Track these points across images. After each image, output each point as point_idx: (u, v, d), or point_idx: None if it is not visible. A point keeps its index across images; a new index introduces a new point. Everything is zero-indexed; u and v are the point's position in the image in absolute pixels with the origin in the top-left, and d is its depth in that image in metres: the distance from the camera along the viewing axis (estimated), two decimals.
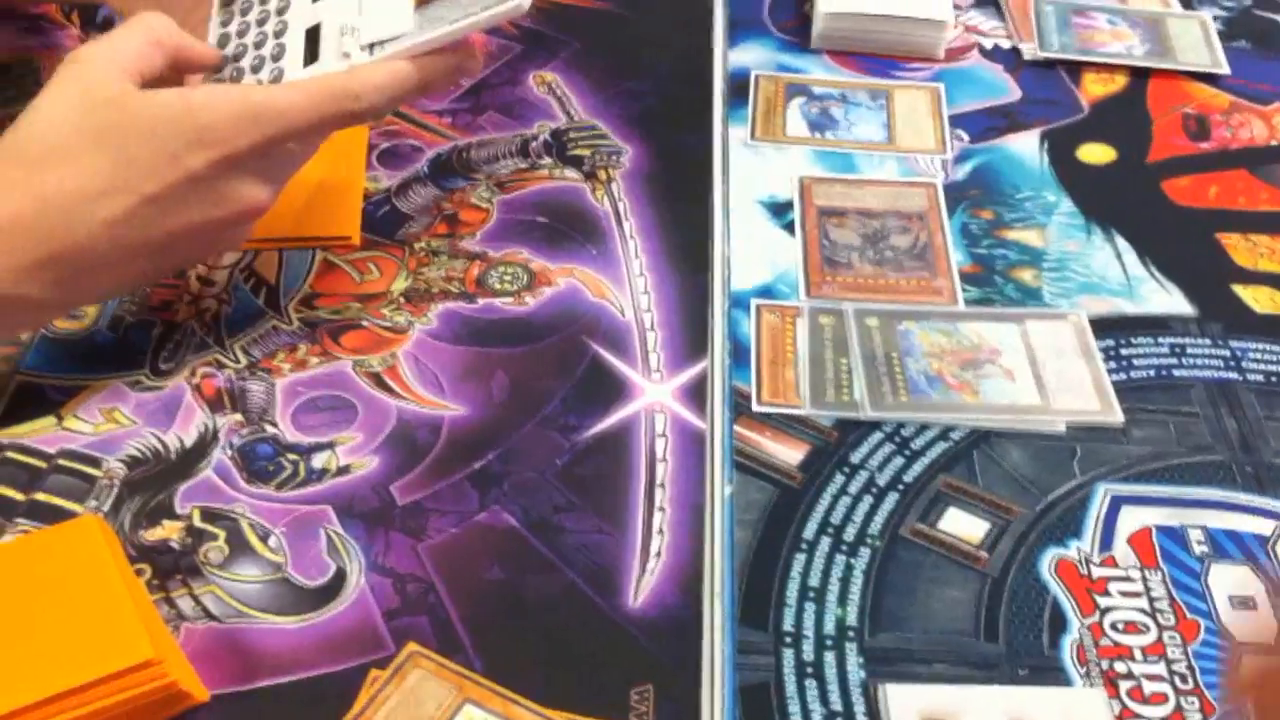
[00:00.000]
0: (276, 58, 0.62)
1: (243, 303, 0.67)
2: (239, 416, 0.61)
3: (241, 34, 0.64)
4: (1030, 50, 0.87)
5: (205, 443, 0.60)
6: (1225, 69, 0.86)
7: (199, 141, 0.55)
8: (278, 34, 0.63)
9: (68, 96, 0.55)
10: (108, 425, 0.61)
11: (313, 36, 0.61)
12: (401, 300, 0.67)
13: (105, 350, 0.64)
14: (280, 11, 0.64)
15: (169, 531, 0.56)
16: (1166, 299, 0.69)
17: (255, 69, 0.62)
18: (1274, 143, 0.80)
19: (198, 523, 0.57)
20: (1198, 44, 0.88)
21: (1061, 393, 0.62)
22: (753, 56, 0.86)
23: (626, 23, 0.89)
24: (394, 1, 0.61)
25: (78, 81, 0.56)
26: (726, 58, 0.86)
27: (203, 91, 0.58)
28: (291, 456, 0.60)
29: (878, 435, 0.61)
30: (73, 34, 0.83)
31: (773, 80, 0.85)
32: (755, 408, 0.62)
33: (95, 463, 0.59)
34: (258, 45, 0.63)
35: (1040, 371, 0.64)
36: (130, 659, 0.48)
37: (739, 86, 0.84)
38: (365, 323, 0.66)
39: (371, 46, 0.60)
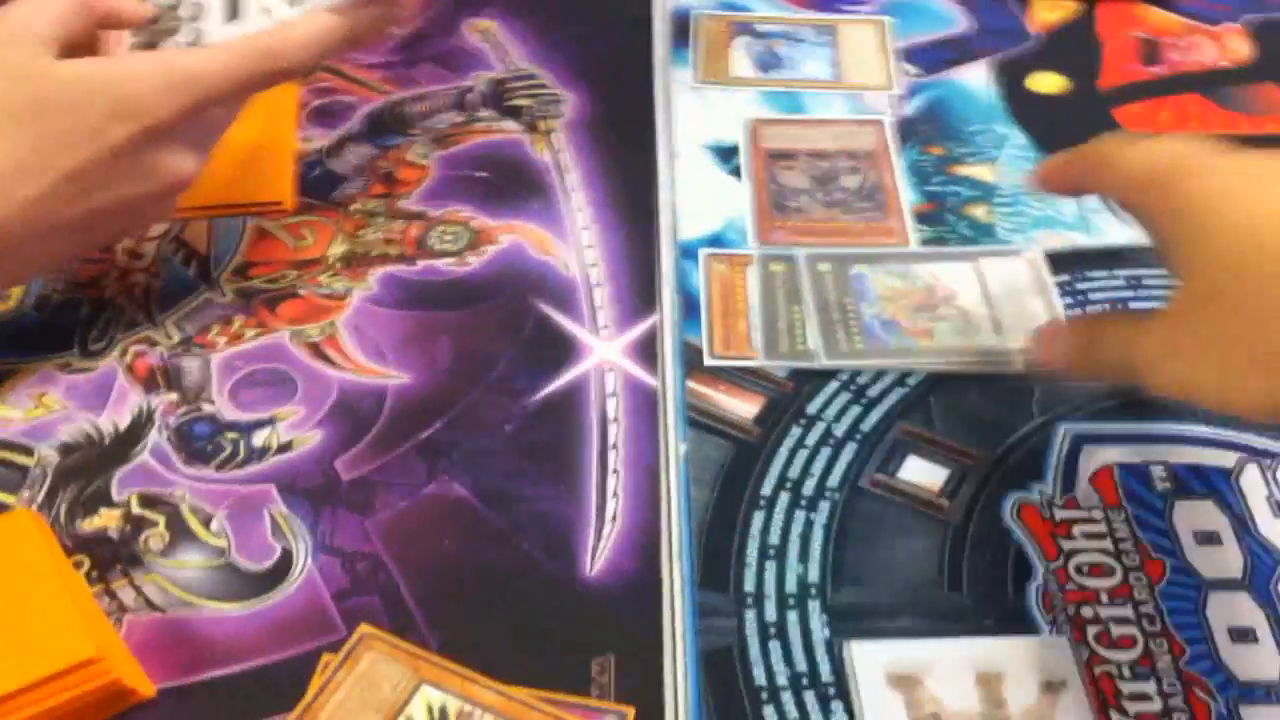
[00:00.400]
0: (195, 17, 0.59)
1: (173, 276, 0.65)
2: (174, 396, 0.59)
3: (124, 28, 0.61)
4: None
5: (140, 425, 0.58)
6: None
7: (120, 113, 0.53)
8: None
9: None
10: (38, 411, 0.58)
11: None
12: (339, 266, 0.65)
13: (32, 332, 0.62)
14: None
15: (107, 520, 0.54)
16: (1121, 230, 0.67)
17: (173, 30, 0.59)
18: (1225, 64, 0.79)
19: (136, 509, 0.55)
20: None
21: (1018, 332, 0.61)
22: None
23: None
24: None
25: None
26: None
27: (122, 61, 0.55)
28: (231, 435, 0.58)
29: (833, 384, 0.60)
30: None
31: (716, 19, 0.83)
32: (708, 361, 0.61)
33: (27, 451, 0.57)
34: (175, 5, 0.60)
35: (997, 312, 0.62)
36: (70, 658, 0.47)
37: (682, 26, 0.82)
38: (302, 291, 0.64)
39: (292, 1, 0.57)
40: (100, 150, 0.53)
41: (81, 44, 0.56)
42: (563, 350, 0.62)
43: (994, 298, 0.63)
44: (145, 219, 0.59)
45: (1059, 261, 0.65)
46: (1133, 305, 0.63)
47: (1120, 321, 0.51)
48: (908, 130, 0.74)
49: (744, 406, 0.59)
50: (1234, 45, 0.80)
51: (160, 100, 0.53)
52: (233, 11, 0.59)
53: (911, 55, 0.80)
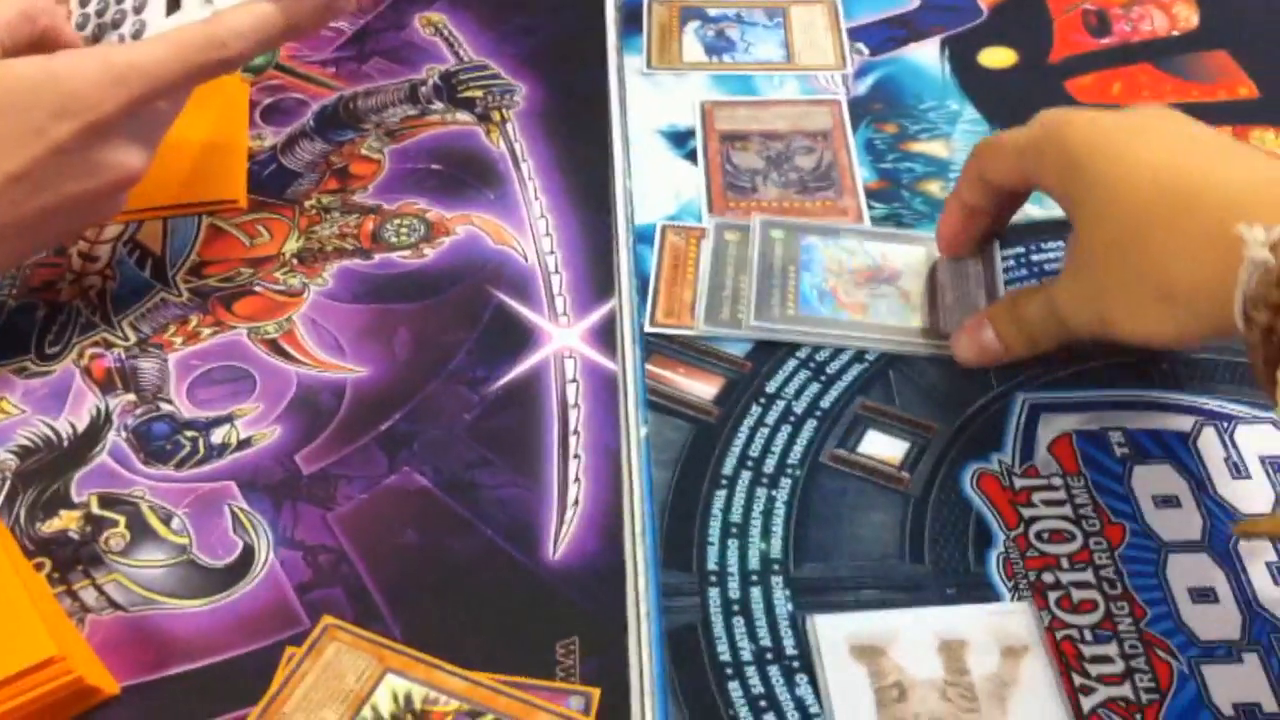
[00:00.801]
0: (139, 9, 0.59)
1: (128, 277, 0.65)
2: (132, 396, 0.59)
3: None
4: None
5: (98, 426, 0.58)
6: None
7: (63, 110, 0.52)
8: None
9: None
10: None
11: None
12: (294, 262, 0.65)
13: None
14: None
15: (67, 521, 0.54)
16: None
17: (117, 24, 0.59)
18: (1175, 33, 0.79)
19: (96, 510, 0.55)
20: None
21: (955, 320, 0.61)
22: None
23: None
24: None
25: None
26: None
27: (63, 57, 0.55)
28: (189, 433, 0.57)
29: (793, 362, 0.60)
30: None
31: (666, 5, 0.83)
32: (646, 328, 0.61)
33: None
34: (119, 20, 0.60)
35: (939, 298, 0.62)
36: (31, 658, 0.46)
37: (633, 14, 0.82)
38: (258, 288, 0.64)
39: None
40: (44, 149, 0.53)
41: (22, 53, 0.56)
42: (522, 338, 0.62)
43: (940, 284, 0.63)
44: (95, 216, 0.59)
45: (1012, 233, 0.65)
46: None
47: (1034, 291, 0.57)
48: (861, 109, 0.74)
49: (703, 387, 0.59)
50: (1183, 14, 0.81)
51: (102, 95, 0.53)
52: (174, 3, 0.58)
53: (862, 34, 0.80)
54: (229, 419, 0.58)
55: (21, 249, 0.56)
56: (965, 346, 0.59)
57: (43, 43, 0.57)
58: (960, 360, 0.59)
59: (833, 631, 0.49)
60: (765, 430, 0.57)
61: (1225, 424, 0.56)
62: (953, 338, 0.59)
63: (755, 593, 0.51)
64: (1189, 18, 0.81)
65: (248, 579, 0.52)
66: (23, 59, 0.54)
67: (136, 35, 0.59)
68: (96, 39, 0.60)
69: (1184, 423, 0.56)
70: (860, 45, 0.79)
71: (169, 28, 0.57)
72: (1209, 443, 0.55)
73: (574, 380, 0.60)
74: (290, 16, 0.58)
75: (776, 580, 0.52)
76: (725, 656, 0.49)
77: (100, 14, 0.60)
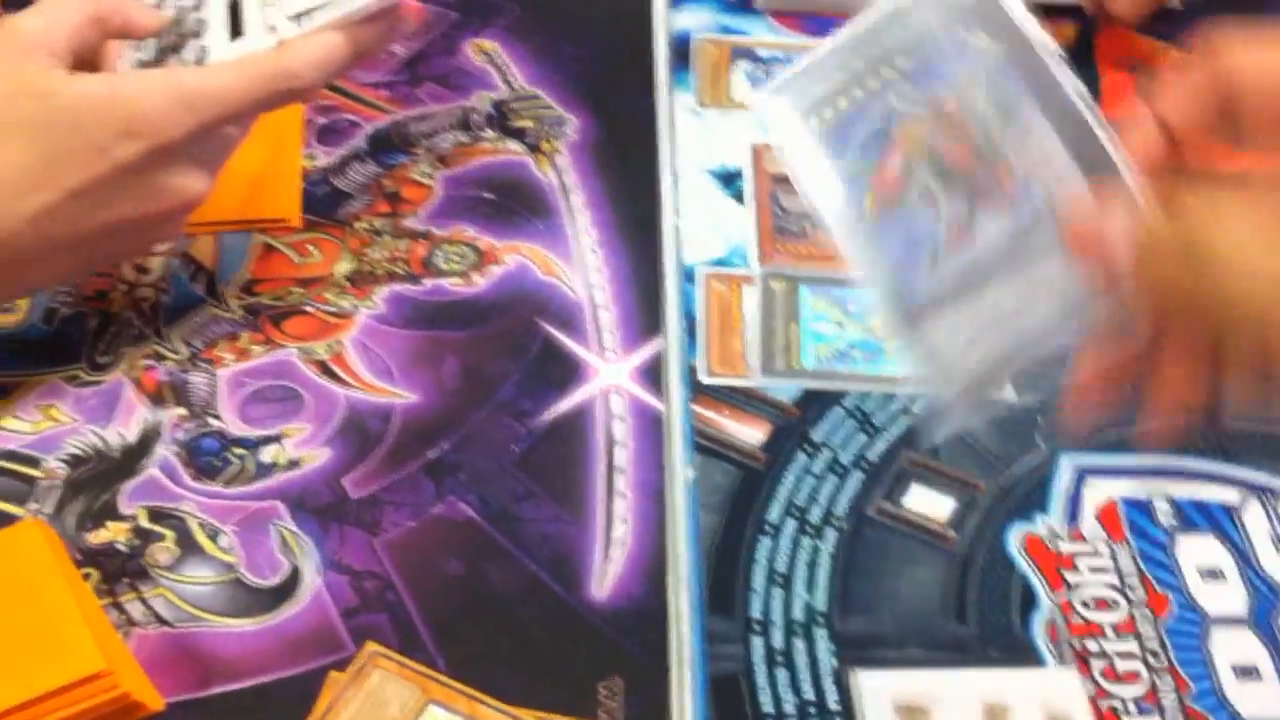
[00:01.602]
0: (199, 34, 0.59)
1: (180, 291, 0.65)
2: (182, 410, 0.59)
3: (159, 5, 0.61)
4: None
5: (148, 439, 0.58)
6: None
7: (129, 132, 0.53)
8: (197, 6, 0.60)
9: None
10: (46, 423, 0.58)
11: (235, 8, 0.59)
12: (345, 283, 0.65)
13: (40, 344, 0.62)
14: None
15: (115, 533, 0.54)
16: None
17: (177, 48, 0.59)
18: None
19: (144, 523, 0.55)
20: None
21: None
22: (696, 19, 0.85)
23: None
24: None
25: (3, 66, 0.53)
26: (669, 21, 0.84)
27: (132, 78, 0.55)
28: (238, 451, 0.58)
29: (839, 411, 0.60)
30: None
31: (716, 44, 0.83)
32: (703, 379, 0.61)
33: (35, 463, 0.57)
34: (178, 21, 0.60)
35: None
36: (80, 670, 0.47)
37: (682, 51, 0.82)
38: (308, 308, 0.64)
39: (299, 17, 0.57)
40: (108, 168, 0.53)
41: (96, 51, 0.57)
42: (569, 372, 0.62)
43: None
44: (152, 237, 0.59)
45: None
46: None
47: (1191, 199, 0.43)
48: None
49: (751, 432, 0.59)
50: None
51: (169, 119, 0.53)
52: (236, 28, 0.59)
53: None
54: (278, 438, 0.58)
55: (79, 264, 0.56)
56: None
57: (117, 33, 0.58)
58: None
59: (877, 688, 0.50)
60: (811, 479, 0.57)
61: (1271, 498, 0.57)
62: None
63: (799, 644, 0.52)
64: None
65: (293, 600, 0.53)
66: (93, 76, 0.54)
67: (199, 61, 0.59)
68: (157, 62, 0.60)
69: (1230, 495, 0.57)
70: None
71: (232, 54, 0.58)
72: (1255, 516, 0.56)
73: (620, 418, 0.60)
74: (357, 44, 0.58)
75: (821, 632, 0.52)
76: (768, 708, 0.50)
77: (159, 34, 0.61)
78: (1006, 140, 0.47)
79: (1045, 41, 0.49)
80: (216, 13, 0.59)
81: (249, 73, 0.55)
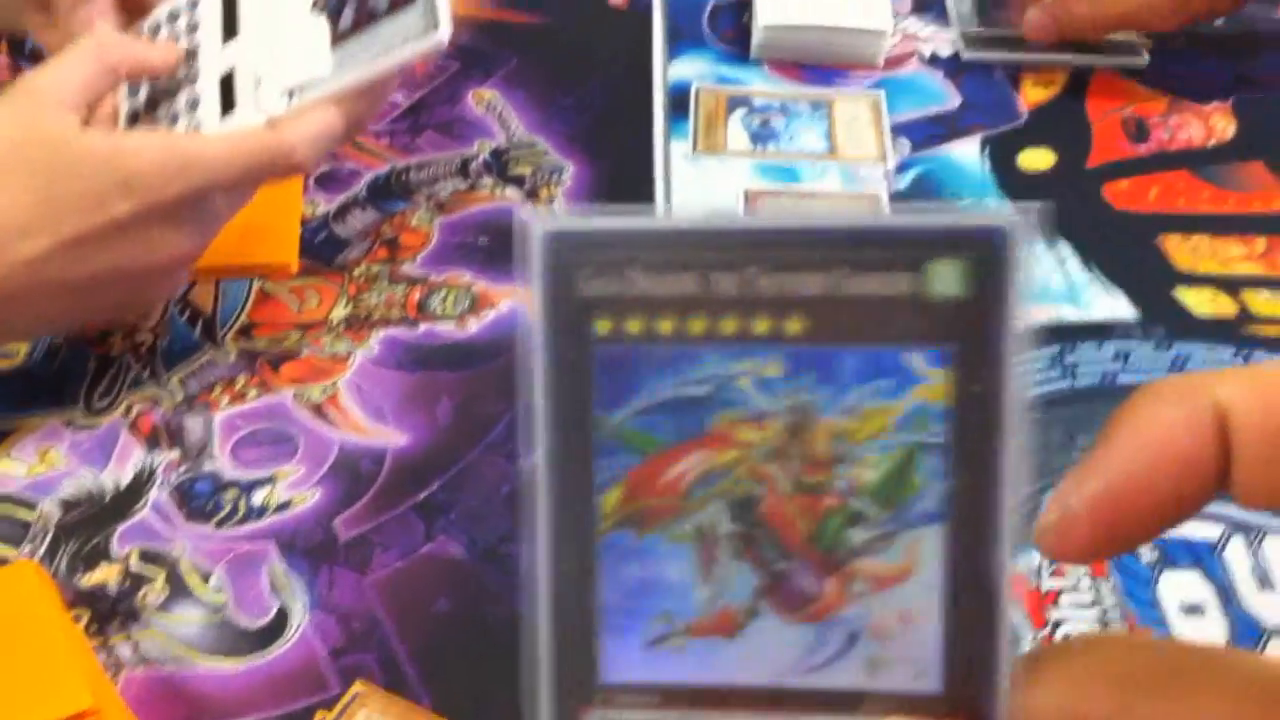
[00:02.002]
0: (193, 108, 0.60)
1: (179, 334, 0.66)
2: (176, 453, 0.60)
3: (154, 79, 0.62)
4: (961, 48, 0.87)
5: (142, 481, 0.59)
6: (1144, 58, 0.86)
7: (125, 187, 0.54)
8: (191, 80, 0.61)
9: (2, 127, 0.55)
10: (42, 466, 0.59)
11: (227, 84, 0.60)
12: (342, 328, 0.66)
13: (38, 388, 0.63)
14: (190, 56, 0.62)
15: (106, 575, 0.55)
16: (1110, 303, 0.69)
17: (172, 121, 0.61)
18: (1213, 143, 0.81)
19: (136, 564, 0.56)
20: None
21: None
22: (693, 69, 0.86)
23: (565, 38, 0.88)
24: (308, 41, 0.59)
25: (16, 113, 0.55)
26: (666, 71, 0.86)
27: (134, 136, 0.57)
28: (231, 493, 0.58)
29: None
30: (0, 61, 0.82)
31: (713, 93, 0.84)
32: None
33: (30, 505, 0.58)
34: (171, 95, 0.62)
35: None
36: (68, 708, 0.47)
37: (680, 100, 0.83)
38: (305, 352, 0.65)
39: (290, 93, 0.59)
40: (103, 221, 0.54)
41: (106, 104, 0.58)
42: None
43: None
44: (147, 293, 0.61)
45: (1047, 333, 0.66)
46: (1121, 379, 0.65)
47: None
48: (902, 203, 0.75)
49: None
50: (1220, 125, 0.82)
51: (164, 180, 0.55)
52: (228, 103, 0.60)
53: (904, 130, 0.81)
54: (270, 480, 0.59)
55: (68, 313, 0.58)
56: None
57: (133, 75, 0.59)
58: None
59: None
60: None
61: (1253, 534, 0.57)
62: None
63: None
64: (1226, 128, 0.82)
65: (282, 641, 0.53)
66: (97, 131, 0.56)
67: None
68: (151, 125, 0.62)
69: (1212, 531, 0.57)
70: (902, 140, 0.80)
71: (223, 129, 0.59)
72: (1237, 553, 0.56)
73: None
74: (350, 119, 0.59)
75: None
76: None
77: (152, 108, 0.62)
78: (874, 530, 0.29)
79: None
80: (209, 85, 0.61)
81: (243, 145, 0.57)
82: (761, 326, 0.27)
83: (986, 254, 0.27)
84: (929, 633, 0.28)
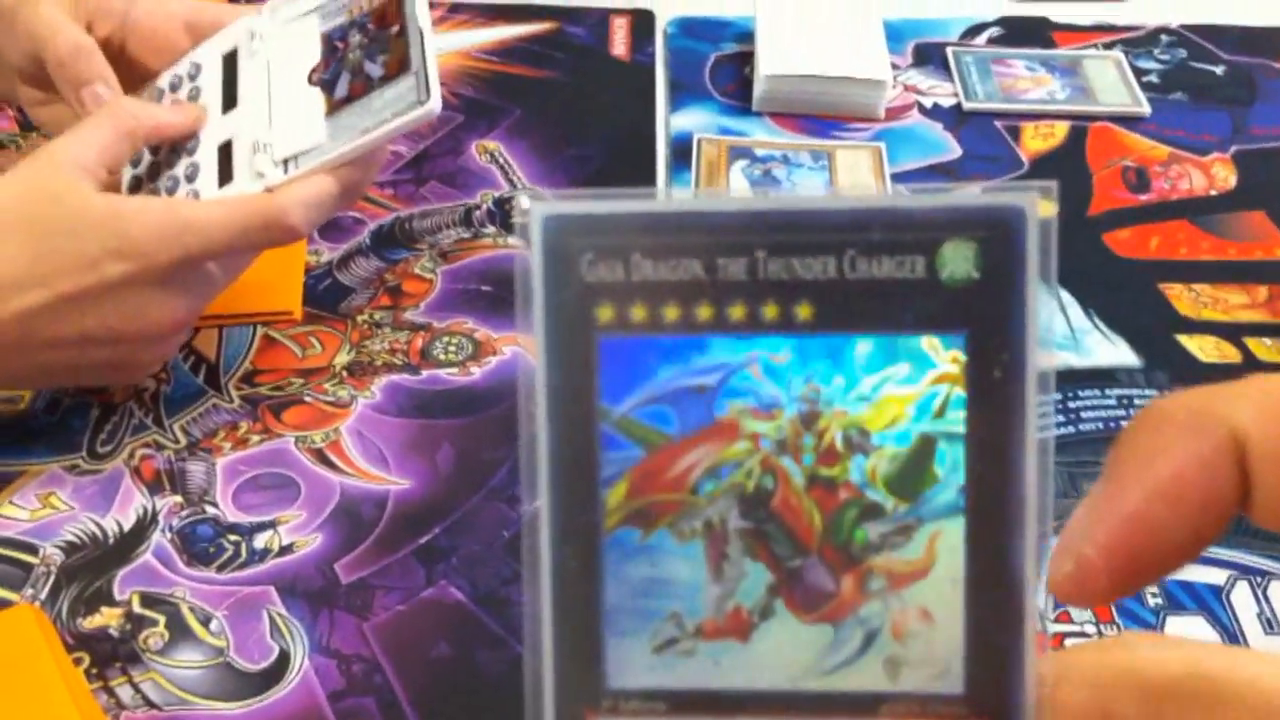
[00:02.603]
0: (191, 178, 0.61)
1: (182, 381, 0.66)
2: (179, 498, 0.60)
3: (154, 151, 0.63)
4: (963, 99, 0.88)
5: (144, 526, 0.59)
6: (1145, 108, 0.87)
7: (119, 251, 0.55)
8: (190, 151, 0.62)
9: (15, 183, 0.56)
10: (44, 511, 0.59)
11: (225, 153, 0.61)
12: (344, 374, 0.67)
13: (42, 434, 0.63)
14: None
15: (108, 618, 0.55)
16: (1112, 351, 0.69)
17: (170, 190, 0.61)
18: (1213, 193, 0.81)
19: (137, 608, 0.55)
20: (1116, 84, 0.89)
21: None
22: (695, 120, 0.87)
23: (568, 90, 0.89)
24: (304, 112, 0.60)
25: (33, 174, 0.56)
26: (669, 122, 0.87)
27: (134, 201, 0.58)
28: (232, 537, 0.58)
29: None
30: (8, 114, 0.83)
31: (715, 144, 0.85)
32: None
33: (32, 550, 0.58)
34: (170, 164, 0.62)
35: None
36: None
37: (682, 151, 0.84)
38: (307, 398, 0.65)
39: (286, 163, 0.59)
40: (94, 281, 0.55)
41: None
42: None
43: None
44: (138, 357, 0.60)
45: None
46: (1124, 425, 0.64)
47: None
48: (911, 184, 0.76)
49: None
50: (1221, 174, 0.82)
51: (158, 246, 0.55)
52: (226, 173, 0.60)
53: (905, 180, 0.82)
54: (272, 525, 0.59)
55: (60, 366, 0.58)
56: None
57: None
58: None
59: None
60: None
61: (1259, 579, 0.56)
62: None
63: None
64: (1227, 178, 0.82)
65: (282, 685, 0.53)
66: (98, 194, 0.56)
67: None
68: (150, 194, 0.62)
69: (1218, 576, 0.57)
70: (903, 190, 0.81)
71: (220, 197, 0.60)
72: (1242, 597, 0.56)
73: None
74: (344, 186, 0.59)
75: None
76: None
77: (152, 178, 0.63)
78: (890, 524, 0.28)
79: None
80: (208, 155, 0.61)
81: (240, 211, 0.57)
82: (770, 312, 0.27)
83: (1001, 234, 0.26)
84: (950, 631, 0.27)
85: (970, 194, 0.26)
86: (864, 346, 0.27)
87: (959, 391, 0.27)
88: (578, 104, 0.88)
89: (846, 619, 0.28)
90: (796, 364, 0.27)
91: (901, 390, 0.27)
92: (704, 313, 0.27)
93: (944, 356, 0.26)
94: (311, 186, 0.58)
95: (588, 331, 0.28)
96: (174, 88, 0.65)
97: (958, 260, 0.26)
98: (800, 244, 0.26)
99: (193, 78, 0.64)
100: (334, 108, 0.60)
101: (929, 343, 0.27)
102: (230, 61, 0.63)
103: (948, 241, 0.26)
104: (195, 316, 0.60)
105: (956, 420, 0.27)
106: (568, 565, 0.28)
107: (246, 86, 0.62)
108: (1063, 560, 0.26)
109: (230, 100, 0.62)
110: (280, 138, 0.60)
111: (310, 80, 0.61)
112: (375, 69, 0.59)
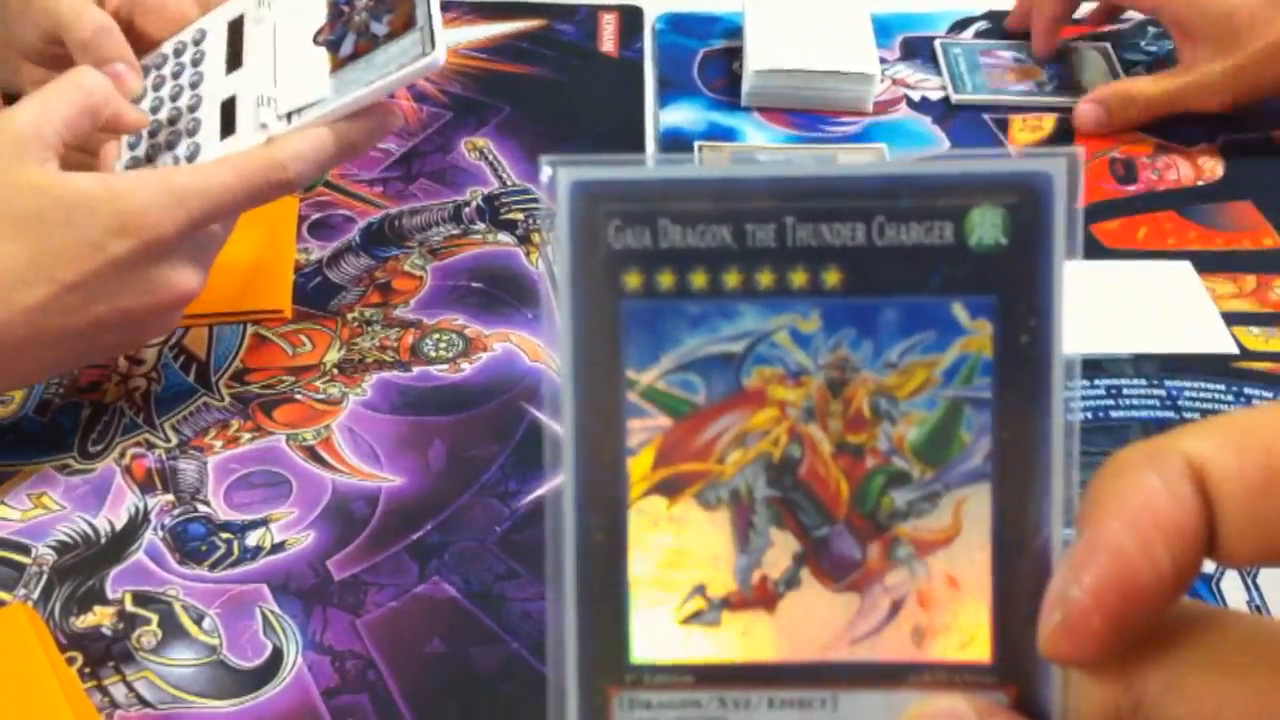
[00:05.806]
0: (192, 132, 0.61)
1: (173, 380, 0.66)
2: (170, 497, 0.60)
3: (155, 109, 0.63)
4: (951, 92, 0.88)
5: (136, 525, 0.59)
6: None
7: (122, 228, 0.54)
8: (192, 108, 0.62)
9: None
10: (36, 511, 0.59)
11: (228, 109, 0.61)
12: (335, 372, 0.67)
13: (33, 435, 0.63)
14: (194, 85, 0.63)
15: (100, 617, 0.55)
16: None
17: (171, 145, 0.62)
18: (1200, 183, 0.81)
19: (130, 607, 0.55)
20: (1104, 74, 0.89)
21: None
22: (684, 116, 0.87)
23: (557, 87, 0.89)
24: (309, 68, 0.61)
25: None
26: (658, 118, 0.87)
27: (124, 177, 0.57)
28: (224, 535, 0.58)
29: None
30: None
31: (716, 149, 0.85)
32: None
33: (24, 550, 0.58)
34: (172, 121, 0.63)
35: None
36: None
37: (670, 147, 0.84)
38: (298, 396, 0.65)
39: (290, 115, 0.60)
40: (101, 264, 0.54)
41: (83, 146, 0.58)
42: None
43: None
44: (147, 331, 0.61)
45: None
46: (1114, 415, 0.65)
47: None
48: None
49: None
50: (1208, 165, 0.83)
51: (161, 216, 0.55)
52: (229, 127, 0.61)
53: None
54: (264, 522, 0.59)
55: (71, 357, 0.58)
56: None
57: (106, 126, 0.59)
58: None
59: None
60: None
61: (1249, 567, 0.57)
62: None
63: None
64: (1214, 168, 0.83)
65: (275, 682, 0.53)
66: (87, 174, 0.56)
67: (191, 158, 0.61)
68: (150, 160, 0.62)
69: (1207, 564, 0.57)
70: (931, 156, 0.81)
71: (222, 151, 0.60)
72: (1232, 585, 0.56)
73: None
74: (345, 139, 0.60)
75: None
76: None
77: (154, 134, 0.63)
78: (917, 491, 0.28)
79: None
80: (210, 111, 0.62)
81: (237, 167, 0.57)
82: (799, 279, 0.27)
83: (1029, 200, 0.26)
84: (977, 598, 0.27)
85: (998, 160, 0.26)
86: (892, 312, 0.27)
87: (986, 357, 0.27)
88: (567, 100, 0.88)
89: (873, 587, 0.28)
90: (825, 331, 0.27)
91: (929, 356, 0.27)
92: (732, 279, 0.27)
93: (972, 322, 0.27)
94: (308, 139, 0.59)
95: (614, 298, 0.27)
96: (178, 53, 0.65)
97: (986, 226, 0.26)
98: (829, 210, 0.26)
99: (197, 43, 0.65)
100: (339, 64, 0.60)
101: (957, 308, 0.27)
102: (236, 27, 0.64)
103: (976, 207, 0.26)
104: (202, 284, 0.59)
105: (984, 386, 0.27)
106: (592, 536, 0.28)
107: (252, 48, 0.63)
108: (1051, 613, 0.26)
109: (235, 62, 0.63)
110: (285, 93, 0.60)
111: (316, 41, 0.61)
112: (381, 28, 0.60)
